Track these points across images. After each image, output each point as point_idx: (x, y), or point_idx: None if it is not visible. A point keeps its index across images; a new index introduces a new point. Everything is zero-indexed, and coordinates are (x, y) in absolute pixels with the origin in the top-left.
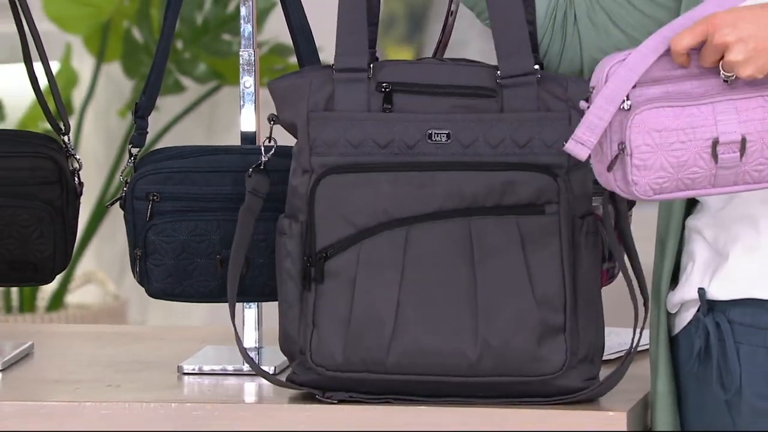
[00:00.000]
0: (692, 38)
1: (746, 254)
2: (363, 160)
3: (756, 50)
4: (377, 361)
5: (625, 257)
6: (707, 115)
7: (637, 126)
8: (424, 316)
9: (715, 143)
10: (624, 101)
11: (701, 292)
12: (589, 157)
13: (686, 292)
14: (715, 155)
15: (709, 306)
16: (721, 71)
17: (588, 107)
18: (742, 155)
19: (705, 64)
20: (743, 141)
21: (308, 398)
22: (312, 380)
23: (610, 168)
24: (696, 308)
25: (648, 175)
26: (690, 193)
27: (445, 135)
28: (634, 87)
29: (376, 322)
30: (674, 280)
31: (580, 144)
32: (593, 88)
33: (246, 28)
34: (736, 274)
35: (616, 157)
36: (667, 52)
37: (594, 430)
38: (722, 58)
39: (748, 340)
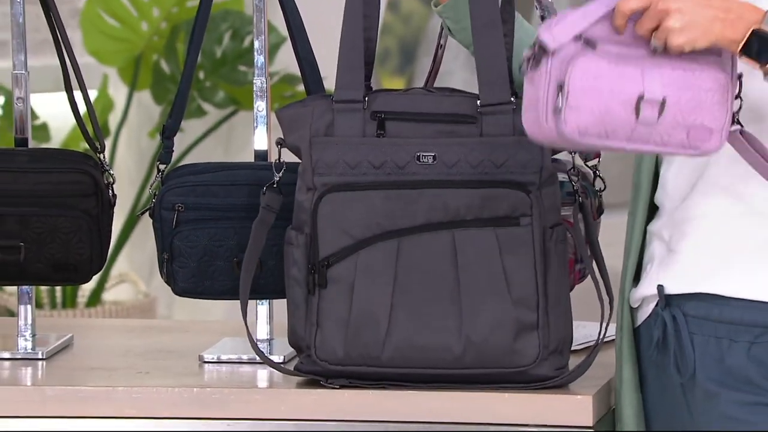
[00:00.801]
0: (639, 1)
1: (694, 250)
2: (359, 179)
3: (691, 23)
4: (373, 355)
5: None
6: (637, 74)
7: (577, 70)
8: (415, 316)
9: (640, 99)
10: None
11: (660, 288)
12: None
13: (646, 288)
14: (637, 110)
15: (666, 301)
16: (653, 40)
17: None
18: (659, 115)
19: (641, 30)
20: (663, 102)
21: (313, 384)
22: (316, 371)
23: (556, 111)
24: (654, 303)
25: (578, 116)
26: (607, 143)
27: (431, 157)
28: (577, 39)
29: (372, 321)
30: (637, 279)
31: (552, 37)
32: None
33: (259, 59)
34: (686, 268)
35: (557, 99)
36: (608, 17)
37: (564, 412)
38: (658, 27)
39: (700, 331)
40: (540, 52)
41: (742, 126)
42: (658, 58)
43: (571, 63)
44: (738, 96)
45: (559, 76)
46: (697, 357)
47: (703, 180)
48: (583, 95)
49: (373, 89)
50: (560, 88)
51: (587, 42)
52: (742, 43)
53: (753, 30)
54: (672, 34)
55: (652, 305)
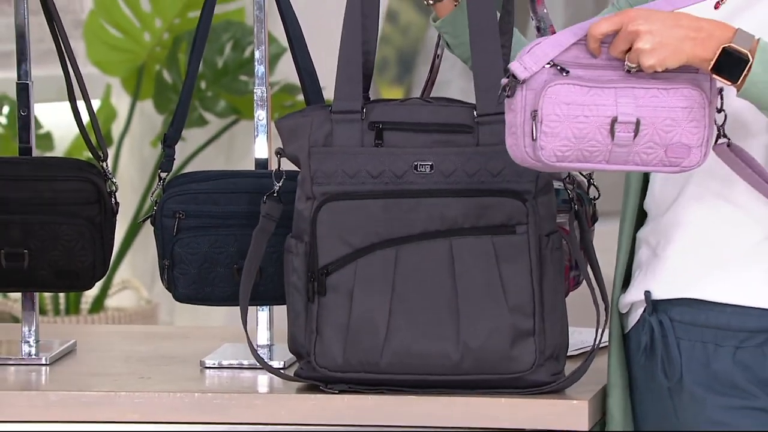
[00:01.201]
0: (609, 25)
1: (680, 256)
2: (358, 188)
3: (661, 44)
4: (372, 362)
5: (588, 267)
6: (610, 96)
7: (549, 97)
8: (413, 323)
9: (614, 121)
10: (545, 66)
11: (647, 294)
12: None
13: (633, 294)
14: (612, 132)
15: (653, 306)
16: (626, 61)
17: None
18: (635, 136)
19: (614, 52)
20: (638, 123)
21: (313, 389)
22: (316, 377)
23: (533, 137)
24: (642, 309)
25: (554, 141)
26: (587, 165)
27: (428, 166)
28: (550, 66)
29: (371, 328)
30: (627, 285)
31: (522, 67)
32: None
33: (260, 69)
34: (672, 274)
35: (532, 126)
36: (581, 43)
37: (560, 416)
38: (630, 49)
39: (687, 336)
40: (513, 81)
41: (728, 139)
42: (632, 79)
43: (543, 91)
44: (721, 110)
45: (533, 104)
46: (683, 362)
47: (690, 186)
48: (557, 122)
49: (371, 99)
50: (534, 115)
51: (559, 69)
52: (713, 61)
53: (723, 48)
54: (643, 55)
55: (640, 311)
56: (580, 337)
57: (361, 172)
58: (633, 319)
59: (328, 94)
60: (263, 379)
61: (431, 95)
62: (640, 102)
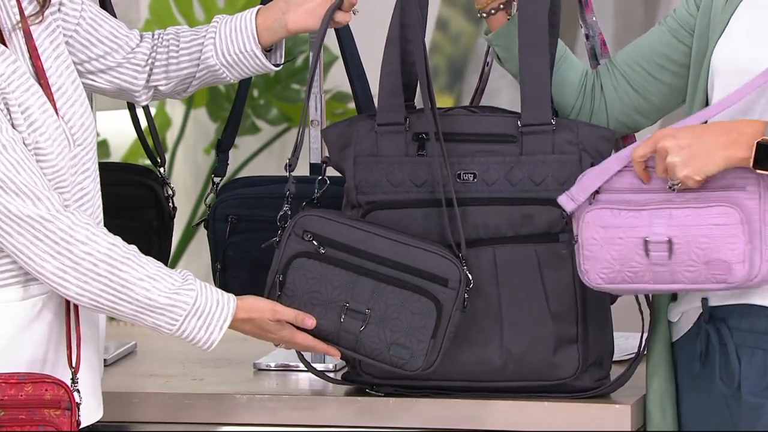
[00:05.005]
0: (645, 148)
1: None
2: (402, 197)
3: (691, 155)
4: None
5: None
6: (645, 218)
7: (587, 222)
8: (457, 329)
9: (647, 242)
10: (590, 197)
11: (704, 301)
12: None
13: (687, 303)
14: (646, 251)
15: (709, 314)
16: (668, 179)
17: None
18: (670, 255)
19: (657, 172)
20: (670, 242)
21: (359, 392)
22: (363, 380)
23: (580, 264)
24: (697, 316)
25: (595, 265)
26: (636, 287)
27: (471, 175)
28: (598, 193)
29: None
30: (674, 294)
31: (569, 199)
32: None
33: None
34: None
35: (578, 253)
36: (630, 166)
37: (603, 420)
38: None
39: (746, 343)
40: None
41: None
42: (673, 199)
43: (580, 217)
44: None
45: (575, 229)
46: (742, 368)
47: None
48: (596, 246)
49: (416, 108)
50: (575, 240)
51: (596, 196)
52: (752, 158)
53: (758, 143)
54: (676, 168)
55: (694, 319)
56: (634, 342)
57: (406, 181)
58: (684, 327)
59: None
60: (313, 382)
61: (480, 104)
62: (673, 221)
